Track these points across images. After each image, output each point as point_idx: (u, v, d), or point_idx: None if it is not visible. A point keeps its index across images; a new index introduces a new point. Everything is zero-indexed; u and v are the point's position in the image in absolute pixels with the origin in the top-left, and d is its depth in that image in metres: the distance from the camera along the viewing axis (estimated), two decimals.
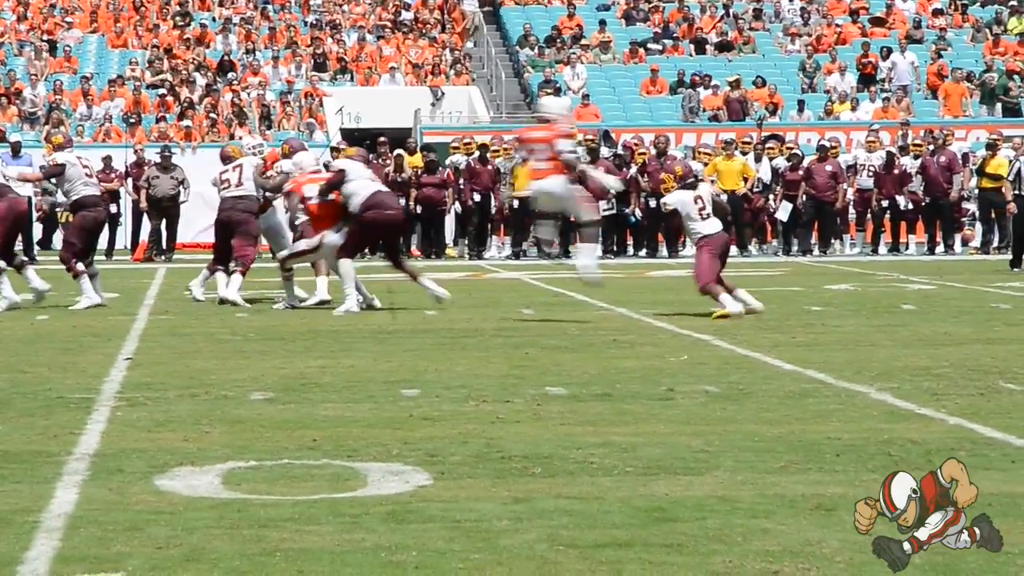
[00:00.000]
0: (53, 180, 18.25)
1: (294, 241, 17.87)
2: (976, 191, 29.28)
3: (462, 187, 28.71)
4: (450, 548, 6.02)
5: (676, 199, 16.19)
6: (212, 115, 34.27)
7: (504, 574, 5.65)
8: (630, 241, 29.39)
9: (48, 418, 9.36)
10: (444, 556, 5.90)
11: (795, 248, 29.20)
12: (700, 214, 15.99)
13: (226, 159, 18.49)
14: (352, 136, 31.85)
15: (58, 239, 27.28)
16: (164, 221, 28.55)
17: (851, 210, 29.76)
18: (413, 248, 28.52)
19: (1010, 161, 26.95)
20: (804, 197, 28.86)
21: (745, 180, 28.82)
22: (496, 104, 37.29)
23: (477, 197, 28.63)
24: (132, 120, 33.42)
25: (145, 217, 28.80)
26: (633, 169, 28.76)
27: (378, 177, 18.39)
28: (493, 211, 29.00)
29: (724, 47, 39.16)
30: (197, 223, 30.12)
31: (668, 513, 6.61)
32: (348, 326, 15.23)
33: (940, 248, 29.26)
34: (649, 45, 39.23)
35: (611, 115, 35.64)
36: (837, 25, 40.13)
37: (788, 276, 22.79)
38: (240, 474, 7.56)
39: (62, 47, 37.70)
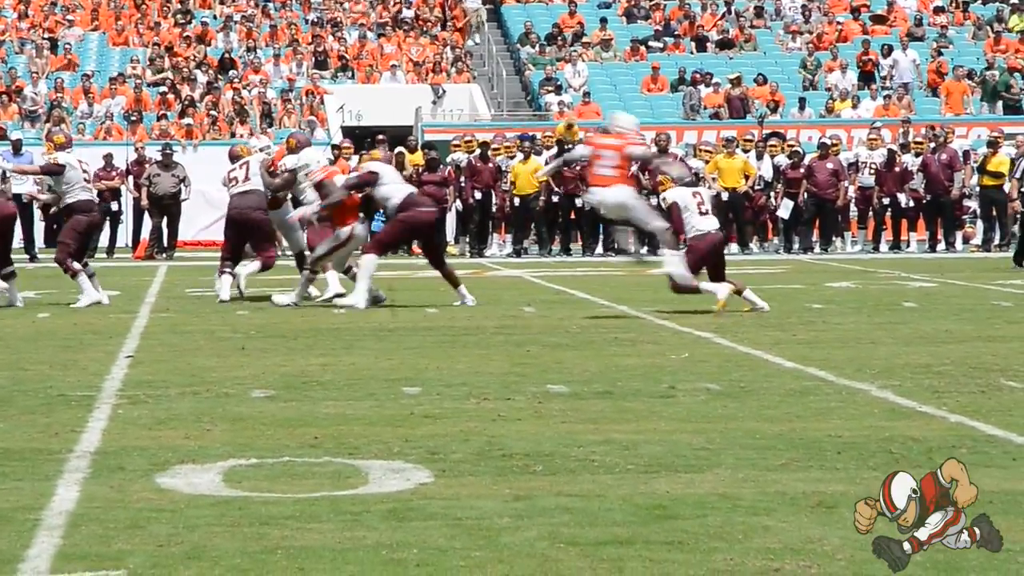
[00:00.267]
0: (49, 178, 18.18)
1: (307, 235, 18.01)
2: (977, 189, 29.28)
3: (463, 185, 28.72)
4: (451, 546, 6.02)
5: (675, 194, 16.22)
6: (213, 113, 34.27)
7: (505, 572, 5.65)
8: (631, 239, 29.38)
9: (49, 416, 9.36)
10: (445, 554, 5.90)
11: (796, 246, 29.19)
12: (699, 208, 16.03)
13: (235, 158, 18.58)
14: (353, 134, 31.83)
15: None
16: (165, 219, 28.56)
17: (852, 208, 29.76)
18: (415, 246, 28.50)
19: (1012, 160, 26.96)
20: (805, 195, 28.86)
21: (746, 178, 28.81)
22: (497, 102, 37.29)
23: (478, 195, 28.63)
24: (133, 118, 33.42)
25: (146, 215, 28.81)
26: (633, 167, 28.71)
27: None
28: (494, 209, 29.01)
29: (725, 45, 39.15)
30: (198, 221, 30.17)
31: (669, 511, 6.61)
32: (349, 324, 15.22)
33: (941, 246, 29.23)
34: (650, 43, 39.22)
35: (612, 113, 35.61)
36: (838, 23, 40.12)
37: (789, 274, 22.78)
38: (241, 472, 7.56)
39: (63, 45, 37.69)
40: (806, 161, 29.23)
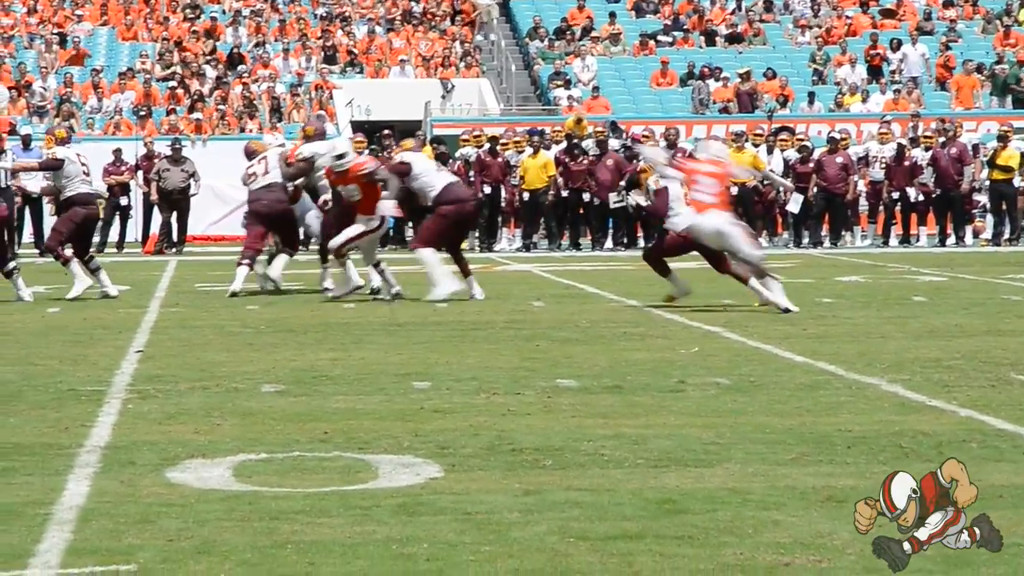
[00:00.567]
0: (48, 174, 18.19)
1: (323, 226, 17.96)
2: (987, 183, 29.22)
3: (472, 179, 28.70)
4: (461, 540, 6.02)
5: (670, 183, 16.18)
6: (222, 108, 34.28)
7: (515, 566, 5.65)
8: (640, 233, 29.35)
9: (59, 411, 9.38)
10: (455, 548, 5.90)
11: (806, 240, 29.15)
12: (684, 198, 15.97)
13: (251, 154, 18.60)
14: (362, 128, 31.85)
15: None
16: (175, 214, 28.59)
17: (862, 202, 29.71)
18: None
19: (1022, 153, 26.92)
20: (815, 189, 28.83)
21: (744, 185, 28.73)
22: (506, 96, 37.28)
23: (487, 189, 28.61)
24: (142, 113, 33.43)
25: (156, 210, 28.83)
26: (642, 161, 28.70)
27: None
28: (503, 203, 28.99)
29: (734, 39, 39.13)
30: (208, 216, 30.17)
31: (679, 505, 6.61)
32: (359, 318, 15.24)
33: (951, 240, 29.18)
34: (659, 37, 39.20)
35: (621, 107, 35.63)
36: (847, 17, 40.07)
37: (799, 268, 22.76)
38: (251, 466, 7.57)
39: (72, 40, 37.72)
40: (815, 156, 29.19)
